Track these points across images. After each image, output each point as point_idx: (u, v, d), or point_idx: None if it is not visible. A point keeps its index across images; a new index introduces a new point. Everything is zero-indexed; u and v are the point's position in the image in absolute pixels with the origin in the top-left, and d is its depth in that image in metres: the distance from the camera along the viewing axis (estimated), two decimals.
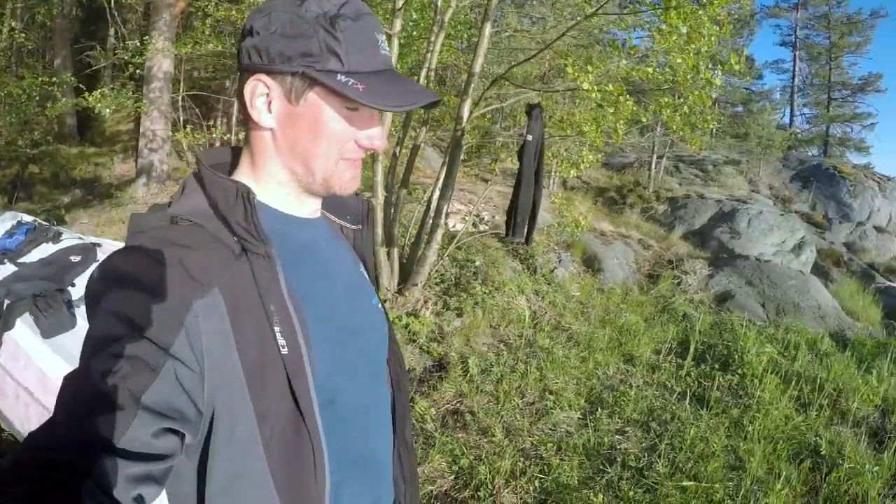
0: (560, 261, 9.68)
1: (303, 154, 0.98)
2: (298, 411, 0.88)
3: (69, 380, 0.77)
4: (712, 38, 5.48)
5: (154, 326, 0.78)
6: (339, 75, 0.90)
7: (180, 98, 10.83)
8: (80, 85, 9.25)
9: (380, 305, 1.21)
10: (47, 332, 2.54)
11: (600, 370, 6.06)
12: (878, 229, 18.19)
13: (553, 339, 6.72)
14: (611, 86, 5.66)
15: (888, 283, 13.09)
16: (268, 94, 0.94)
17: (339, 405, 0.99)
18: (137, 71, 9.66)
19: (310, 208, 1.08)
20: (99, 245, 3.29)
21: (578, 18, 6.87)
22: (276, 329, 0.88)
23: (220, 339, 0.84)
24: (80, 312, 2.72)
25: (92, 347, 0.78)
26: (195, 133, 9.15)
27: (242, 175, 1.03)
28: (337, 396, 0.98)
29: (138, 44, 9.30)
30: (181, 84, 10.82)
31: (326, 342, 0.97)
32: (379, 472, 1.14)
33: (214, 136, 9.36)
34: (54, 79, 9.85)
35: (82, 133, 13.05)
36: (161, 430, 0.76)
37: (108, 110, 7.85)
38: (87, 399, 0.74)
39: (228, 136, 9.96)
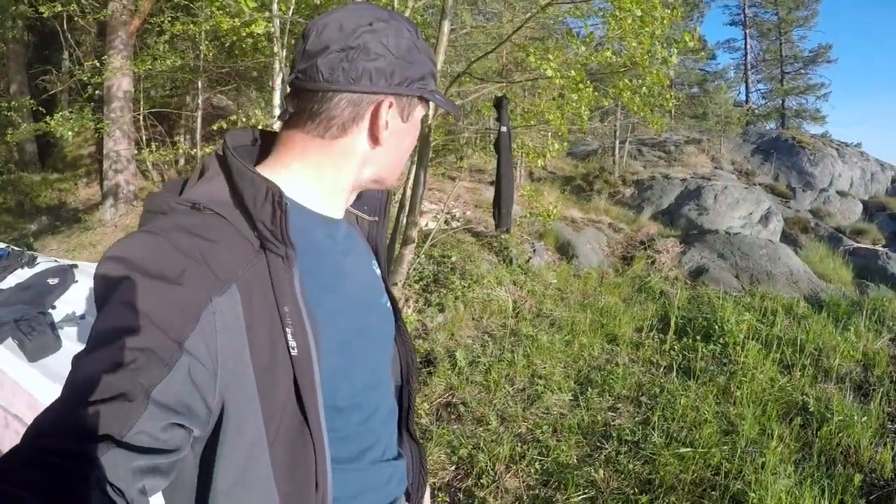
0: (534, 250, 9.72)
1: (399, 161, 1.10)
2: (303, 415, 0.88)
3: (78, 365, 0.75)
4: (665, 21, 5.57)
5: (170, 320, 0.77)
6: (436, 94, 1.05)
7: (142, 117, 10.71)
8: (41, 108, 9.12)
9: (388, 304, 1.22)
10: (32, 356, 2.48)
11: (586, 352, 6.10)
12: (841, 194, 18.53)
13: (536, 326, 6.75)
14: (573, 72, 5.72)
15: (855, 245, 13.35)
16: (388, 119, 1.01)
17: (343, 407, 1.01)
18: (96, 92, 9.56)
19: (339, 212, 1.11)
20: (75, 266, 3.26)
21: (534, 10, 6.90)
22: (288, 330, 0.87)
23: (235, 337, 0.83)
24: (65, 334, 2.68)
25: (104, 337, 0.75)
26: (160, 150, 9.04)
27: (282, 169, 1.02)
28: (340, 399, 1.00)
29: (92, 64, 9.18)
30: (141, 103, 10.70)
31: (334, 345, 0.97)
32: None
33: (181, 152, 9.26)
34: (13, 103, 9.69)
35: (43, 159, 12.86)
36: (169, 424, 0.75)
37: (70, 133, 7.72)
38: (96, 389, 0.72)
39: (194, 150, 9.85)
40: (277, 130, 1.07)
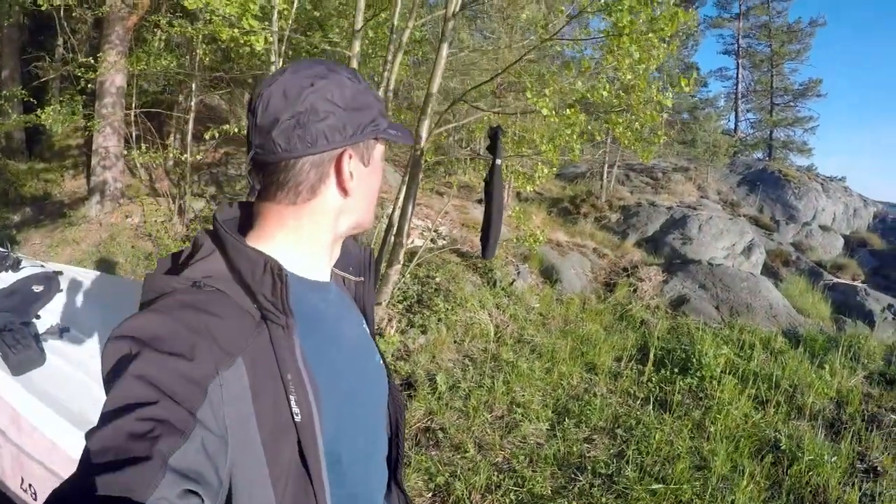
0: (518, 273, 9.75)
1: (371, 203, 1.13)
2: (307, 474, 0.91)
3: (93, 437, 0.75)
4: (660, 56, 5.66)
5: (182, 392, 0.79)
6: (389, 129, 1.08)
7: (133, 114, 10.57)
8: (31, 99, 9.03)
9: (381, 362, 1.25)
10: (17, 369, 2.47)
11: (565, 381, 6.14)
12: (824, 228, 18.80)
13: (517, 352, 6.79)
14: (569, 111, 5.78)
15: (835, 280, 13.50)
16: (352, 168, 1.04)
17: (343, 462, 1.03)
18: (89, 85, 9.42)
19: (326, 270, 1.14)
20: (60, 273, 3.24)
21: (534, 41, 6.97)
22: (292, 397, 0.90)
23: (242, 407, 0.86)
24: (49, 346, 2.69)
25: (118, 409, 0.76)
26: (150, 152, 8.96)
27: (267, 241, 1.04)
28: (342, 455, 1.03)
29: (87, 58, 9.11)
30: (134, 99, 10.57)
31: (334, 406, 0.99)
32: None
33: (173, 154, 9.19)
34: (4, 92, 9.61)
35: (31, 148, 12.60)
36: (185, 491, 0.75)
37: (59, 126, 7.63)
38: (115, 457, 0.73)
39: (185, 155, 9.76)
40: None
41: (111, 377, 0.82)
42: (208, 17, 5.88)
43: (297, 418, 0.90)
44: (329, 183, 1.03)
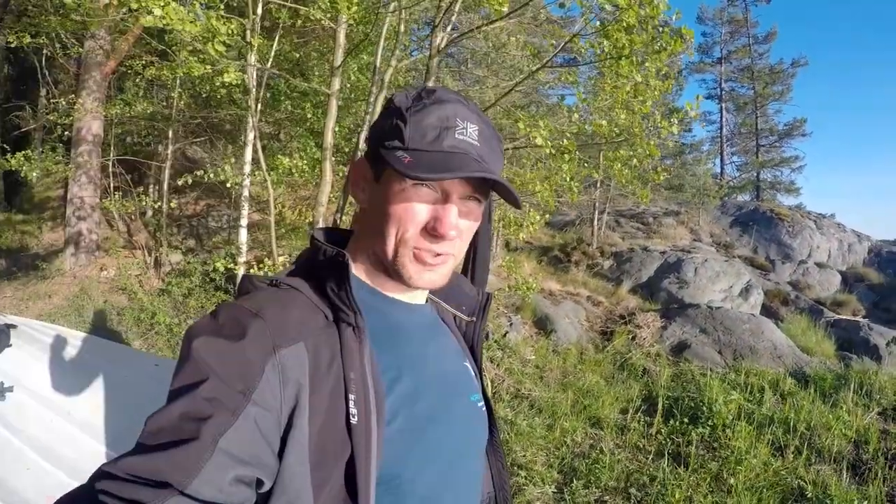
0: (511, 324, 9.47)
1: (378, 231, 1.00)
2: (352, 486, 0.85)
3: (149, 421, 0.78)
4: (657, 92, 5.49)
5: (236, 370, 0.80)
6: (398, 151, 0.95)
7: (111, 163, 10.39)
8: (5, 146, 8.86)
9: (480, 404, 1.16)
10: None
11: (568, 437, 5.81)
12: (820, 265, 18.58)
13: (514, 408, 6.46)
14: (565, 140, 5.58)
15: (836, 316, 13.24)
16: (363, 176, 1.05)
17: (403, 492, 0.94)
18: (66, 133, 9.41)
19: (409, 292, 1.09)
20: (14, 326, 3.09)
21: (525, 74, 6.84)
22: (351, 397, 0.87)
23: (298, 393, 0.84)
24: None
25: (174, 392, 0.80)
26: (124, 201, 8.79)
27: (348, 250, 1.05)
28: (403, 481, 0.93)
29: (66, 104, 9.09)
30: (112, 148, 10.38)
31: (403, 423, 0.94)
32: None
33: (145, 204, 9.00)
34: None
35: (10, 199, 12.55)
36: (236, 478, 0.76)
37: (34, 175, 7.45)
38: (163, 437, 0.75)
39: (159, 203, 9.60)
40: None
41: (176, 369, 0.83)
42: (183, 58, 5.76)
43: (353, 420, 0.86)
44: (351, 188, 1.08)
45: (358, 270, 1.05)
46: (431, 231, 0.96)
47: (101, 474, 0.73)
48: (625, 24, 4.41)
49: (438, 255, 0.99)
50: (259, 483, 0.80)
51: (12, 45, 8.55)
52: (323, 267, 0.96)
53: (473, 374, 1.17)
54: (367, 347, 0.91)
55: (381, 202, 0.99)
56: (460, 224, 0.99)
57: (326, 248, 0.97)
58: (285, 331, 0.86)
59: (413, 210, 0.96)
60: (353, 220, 1.08)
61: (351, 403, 0.86)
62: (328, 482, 0.84)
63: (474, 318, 1.23)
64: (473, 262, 1.33)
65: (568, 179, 5.91)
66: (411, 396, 0.97)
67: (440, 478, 1.00)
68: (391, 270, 1.01)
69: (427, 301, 1.16)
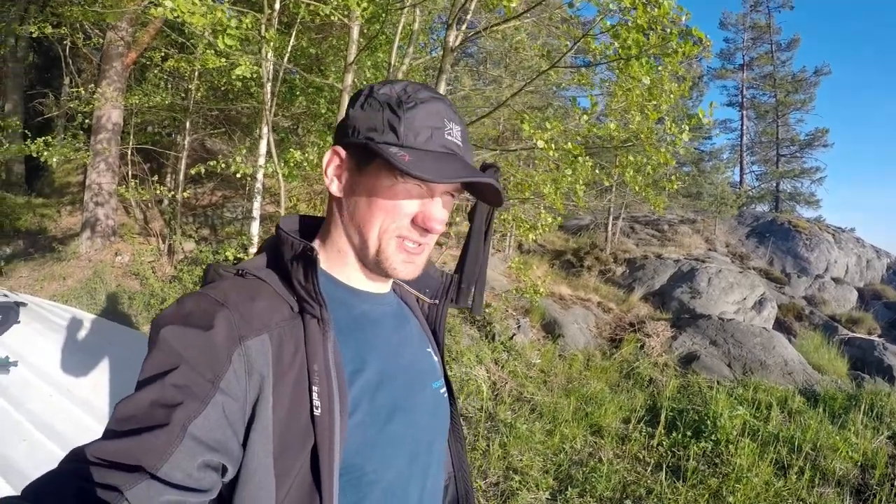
0: (519, 327, 9.43)
1: (360, 222, 1.03)
2: (316, 477, 0.88)
3: (119, 406, 0.79)
4: (672, 95, 5.41)
5: (204, 359, 0.82)
6: (393, 147, 0.96)
7: (129, 151, 10.56)
8: (26, 132, 8.99)
9: (443, 390, 1.19)
10: None
11: (567, 444, 5.76)
12: (837, 281, 18.30)
13: (515, 411, 6.42)
14: (570, 144, 5.51)
15: (850, 334, 13.06)
16: (339, 164, 1.05)
17: (367, 482, 0.97)
18: (87, 121, 9.60)
19: (375, 283, 1.12)
20: (23, 304, 3.13)
21: (537, 73, 6.78)
22: (314, 388, 0.89)
23: (262, 383, 0.87)
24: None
25: (144, 379, 0.82)
26: (140, 188, 8.91)
27: (315, 241, 1.11)
28: (367, 472, 0.96)
29: (86, 93, 9.24)
30: (131, 137, 10.56)
31: (366, 415, 0.96)
32: None
33: (160, 192, 9.09)
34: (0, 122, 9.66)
35: (31, 182, 12.78)
36: (204, 463, 0.78)
37: (54, 160, 7.57)
38: (134, 422, 0.77)
39: (174, 192, 9.71)
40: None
41: (146, 354, 0.86)
42: (200, 51, 5.77)
43: (317, 412, 0.88)
44: (325, 178, 1.07)
45: (326, 261, 1.08)
46: (421, 224, 1.01)
47: (72, 458, 0.75)
48: (634, 25, 4.35)
49: (420, 244, 1.04)
50: (224, 470, 0.83)
51: (33, 35, 8.72)
52: (290, 259, 0.97)
53: (437, 359, 1.21)
54: (331, 340, 0.93)
55: (365, 193, 1.02)
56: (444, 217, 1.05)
57: (294, 240, 0.98)
58: (250, 321, 0.89)
59: (403, 204, 1.01)
60: (326, 210, 1.10)
61: (314, 395, 0.89)
62: (291, 472, 0.87)
63: (437, 301, 1.27)
64: (463, 258, 1.38)
65: (573, 184, 5.84)
66: (375, 388, 0.99)
67: (405, 467, 1.04)
68: (371, 261, 1.04)
69: (391, 288, 1.20)
